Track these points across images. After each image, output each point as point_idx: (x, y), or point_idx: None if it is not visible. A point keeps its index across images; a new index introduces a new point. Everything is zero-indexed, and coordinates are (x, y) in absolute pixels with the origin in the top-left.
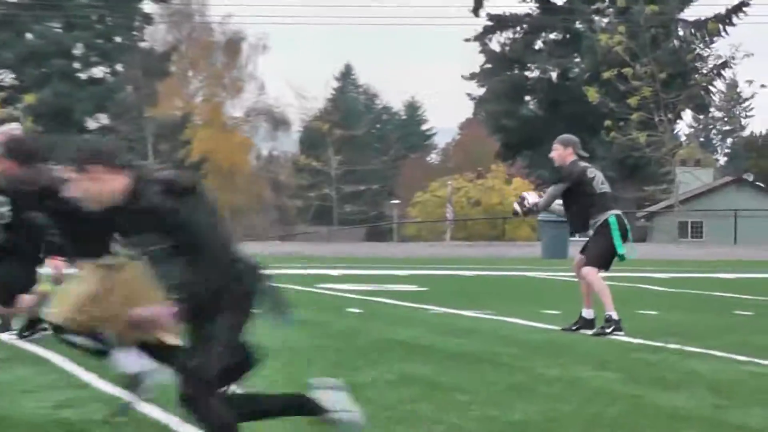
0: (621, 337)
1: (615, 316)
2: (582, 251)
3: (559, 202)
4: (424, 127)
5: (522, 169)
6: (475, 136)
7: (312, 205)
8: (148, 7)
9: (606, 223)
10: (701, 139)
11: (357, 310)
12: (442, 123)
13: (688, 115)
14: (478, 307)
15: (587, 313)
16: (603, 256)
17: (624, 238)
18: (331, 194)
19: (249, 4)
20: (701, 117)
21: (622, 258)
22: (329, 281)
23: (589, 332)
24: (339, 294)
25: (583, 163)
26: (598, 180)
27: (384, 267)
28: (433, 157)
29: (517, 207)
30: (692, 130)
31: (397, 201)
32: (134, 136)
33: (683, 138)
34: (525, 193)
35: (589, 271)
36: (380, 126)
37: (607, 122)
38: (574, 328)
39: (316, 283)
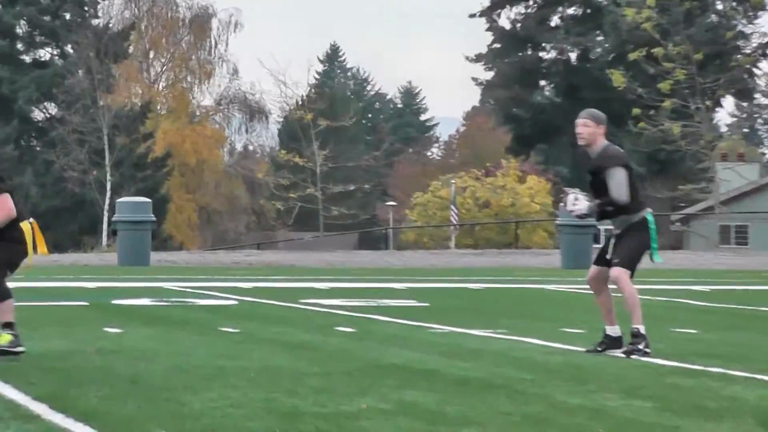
0: (654, 359)
1: (643, 330)
2: (598, 261)
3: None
4: (423, 117)
5: (537, 165)
6: (483, 127)
7: (294, 207)
8: None
9: (644, 220)
10: (745, 130)
11: (347, 329)
12: (443, 112)
13: (729, 102)
14: (487, 325)
15: (612, 330)
16: (637, 259)
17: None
18: (316, 195)
19: None
20: (745, 104)
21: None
22: (315, 296)
23: (618, 352)
24: (327, 310)
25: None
26: (634, 172)
27: (378, 279)
28: (434, 152)
29: (578, 208)
30: (734, 119)
31: (392, 203)
32: (87, 128)
33: (724, 129)
34: (572, 200)
35: (621, 274)
36: (372, 116)
37: (635, 110)
38: (599, 349)
39: (300, 297)
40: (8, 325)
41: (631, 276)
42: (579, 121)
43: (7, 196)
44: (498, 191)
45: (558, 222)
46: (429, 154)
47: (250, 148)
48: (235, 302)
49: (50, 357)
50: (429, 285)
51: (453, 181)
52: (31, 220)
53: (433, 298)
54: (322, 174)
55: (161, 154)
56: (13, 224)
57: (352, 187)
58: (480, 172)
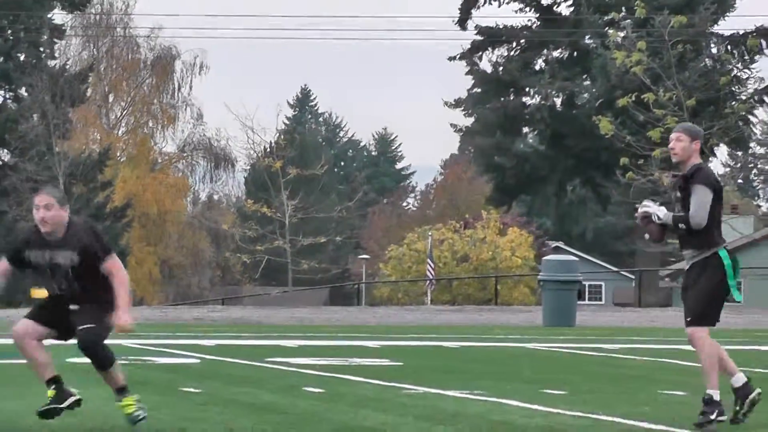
0: (641, 422)
1: (717, 396)
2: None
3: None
4: (398, 166)
5: (519, 218)
6: (462, 176)
7: (261, 260)
8: (58, 17)
9: (715, 257)
10: (739, 181)
11: (317, 390)
12: (420, 160)
13: (722, 151)
14: (464, 386)
15: (735, 379)
16: (711, 307)
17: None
18: (285, 248)
19: (183, 13)
20: (739, 154)
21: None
22: (283, 354)
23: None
24: (295, 370)
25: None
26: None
27: (350, 337)
28: (410, 203)
29: (654, 209)
30: (728, 169)
31: (365, 256)
32: (42, 176)
33: None
34: (647, 208)
35: (694, 333)
36: (345, 164)
37: (624, 159)
38: (738, 409)
39: (266, 356)
40: (123, 390)
41: (712, 323)
42: (672, 135)
43: (117, 258)
44: (477, 244)
45: (540, 277)
46: (405, 204)
47: (215, 197)
48: (198, 361)
49: (1, 419)
50: (403, 343)
51: (430, 234)
52: None
53: (408, 358)
54: (292, 225)
55: (121, 204)
56: (111, 287)
57: (323, 240)
58: (458, 224)
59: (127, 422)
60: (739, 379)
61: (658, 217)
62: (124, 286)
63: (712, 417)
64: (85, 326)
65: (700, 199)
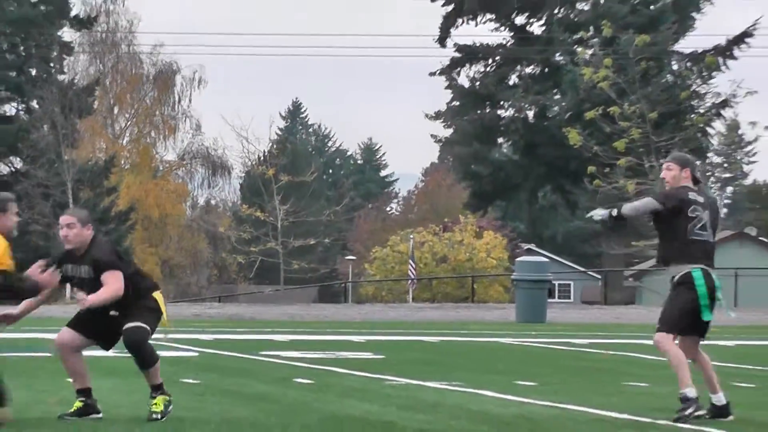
0: (608, 412)
1: (692, 393)
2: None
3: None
4: (383, 173)
5: (494, 221)
6: (441, 183)
7: (255, 261)
8: (67, 34)
9: (688, 277)
10: None
11: (306, 381)
12: (403, 168)
13: None
14: (443, 377)
15: (717, 398)
16: (679, 318)
17: (711, 298)
18: (277, 249)
19: (183, 32)
20: (698, 163)
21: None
22: (275, 348)
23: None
24: (286, 362)
25: (692, 196)
26: (698, 224)
27: (337, 332)
28: (393, 207)
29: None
30: None
31: (351, 257)
32: (51, 182)
33: None
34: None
35: (659, 339)
36: (333, 171)
37: (591, 168)
38: (707, 417)
39: (259, 349)
40: (158, 387)
41: (678, 332)
42: (663, 164)
43: (120, 275)
44: (455, 246)
45: (514, 277)
46: (388, 209)
47: (213, 202)
48: (196, 354)
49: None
50: (387, 338)
51: (411, 236)
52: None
53: (391, 351)
54: (283, 228)
55: (125, 208)
56: (150, 295)
57: (312, 242)
58: (438, 228)
59: (130, 413)
60: (720, 399)
61: (600, 215)
62: (106, 294)
63: (688, 412)
64: (131, 325)
65: (643, 201)
